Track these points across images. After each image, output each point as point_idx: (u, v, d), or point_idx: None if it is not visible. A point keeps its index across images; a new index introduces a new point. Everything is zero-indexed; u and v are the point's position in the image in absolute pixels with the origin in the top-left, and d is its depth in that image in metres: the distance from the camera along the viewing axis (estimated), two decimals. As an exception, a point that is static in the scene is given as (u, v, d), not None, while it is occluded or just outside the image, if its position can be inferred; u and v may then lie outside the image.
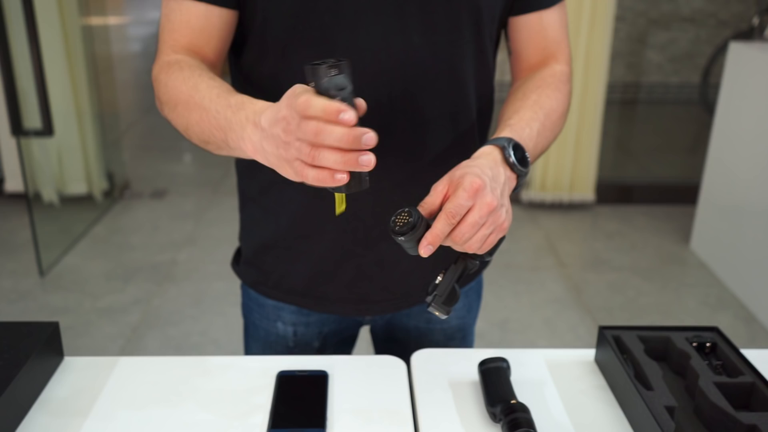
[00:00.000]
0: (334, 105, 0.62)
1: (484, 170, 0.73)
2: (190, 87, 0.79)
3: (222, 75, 0.87)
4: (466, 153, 0.93)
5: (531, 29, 0.94)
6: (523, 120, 0.84)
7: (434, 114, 0.89)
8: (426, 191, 0.92)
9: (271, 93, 0.88)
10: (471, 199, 0.70)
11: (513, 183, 0.79)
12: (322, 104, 0.62)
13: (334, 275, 0.97)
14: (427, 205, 0.74)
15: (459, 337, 1.09)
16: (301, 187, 0.92)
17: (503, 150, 0.78)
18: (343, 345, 1.08)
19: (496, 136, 0.82)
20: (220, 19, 0.84)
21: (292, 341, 1.03)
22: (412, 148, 0.90)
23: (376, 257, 0.95)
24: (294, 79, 0.85)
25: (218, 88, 0.77)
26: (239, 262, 1.06)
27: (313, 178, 0.64)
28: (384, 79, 0.85)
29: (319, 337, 1.04)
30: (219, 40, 0.86)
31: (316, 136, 0.62)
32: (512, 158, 0.78)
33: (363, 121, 0.86)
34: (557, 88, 0.91)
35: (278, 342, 1.04)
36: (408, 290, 0.99)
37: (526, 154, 0.80)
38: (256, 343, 1.06)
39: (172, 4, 0.85)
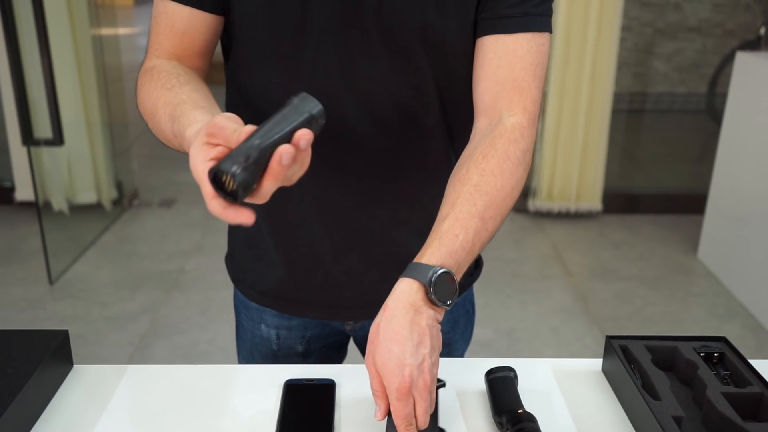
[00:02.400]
0: (208, 192, 0.60)
1: (404, 345, 0.67)
2: (152, 104, 0.80)
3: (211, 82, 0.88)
4: (435, 172, 0.94)
5: (485, 55, 0.83)
6: (457, 222, 0.75)
7: (401, 136, 0.89)
8: (391, 210, 0.94)
9: (249, 101, 0.91)
10: (409, 400, 0.67)
11: (441, 316, 0.73)
12: (205, 190, 0.60)
13: (303, 281, 0.99)
14: (378, 392, 0.71)
15: (443, 353, 1.08)
16: (278, 195, 0.95)
17: (425, 288, 0.71)
18: (330, 351, 1.09)
19: (423, 250, 0.75)
20: (204, 23, 0.85)
21: (275, 344, 1.05)
22: (378, 167, 0.90)
23: (343, 267, 0.97)
24: (265, 91, 0.88)
25: (172, 106, 0.75)
26: (228, 257, 1.09)
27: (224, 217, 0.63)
28: (351, 100, 0.86)
29: (302, 341, 1.05)
30: (203, 44, 0.87)
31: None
32: (434, 297, 0.71)
33: (331, 141, 0.87)
34: (506, 155, 0.79)
35: (263, 344, 1.05)
36: (378, 300, 1.00)
37: (456, 282, 0.73)
38: (245, 344, 1.09)
39: (159, 7, 0.86)
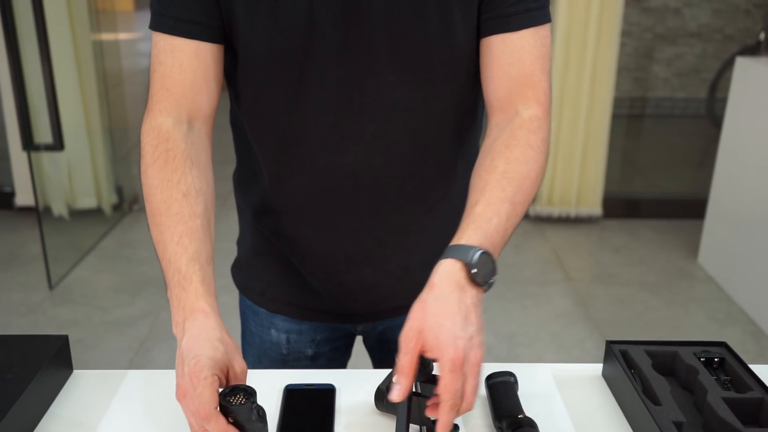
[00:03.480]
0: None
1: (454, 320, 0.67)
2: (162, 200, 0.78)
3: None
4: (445, 185, 0.95)
5: (493, 54, 0.85)
6: (489, 206, 0.76)
7: (410, 149, 0.89)
8: (403, 222, 0.94)
9: (255, 125, 0.90)
10: (460, 375, 0.65)
11: (482, 296, 0.72)
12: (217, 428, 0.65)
13: (317, 289, 1.00)
14: (405, 369, 0.68)
15: None
16: (290, 212, 0.95)
17: (467, 267, 0.71)
18: (338, 353, 1.09)
19: (459, 234, 0.75)
20: (211, 56, 0.83)
21: (285, 348, 1.05)
22: (388, 181, 0.91)
23: (357, 278, 0.98)
24: (272, 115, 0.87)
25: (184, 224, 0.77)
26: (235, 265, 1.09)
27: None
28: (358, 117, 0.86)
29: (312, 344, 1.05)
30: (212, 81, 0.84)
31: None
32: (478, 278, 0.71)
33: (341, 158, 0.88)
34: (528, 144, 0.82)
35: (272, 349, 1.05)
36: (390, 308, 1.01)
37: (495, 263, 0.74)
38: (252, 349, 1.08)
39: (161, 44, 0.82)
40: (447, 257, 0.72)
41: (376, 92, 0.84)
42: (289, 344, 1.04)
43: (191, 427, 0.68)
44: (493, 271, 0.73)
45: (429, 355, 0.67)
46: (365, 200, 0.91)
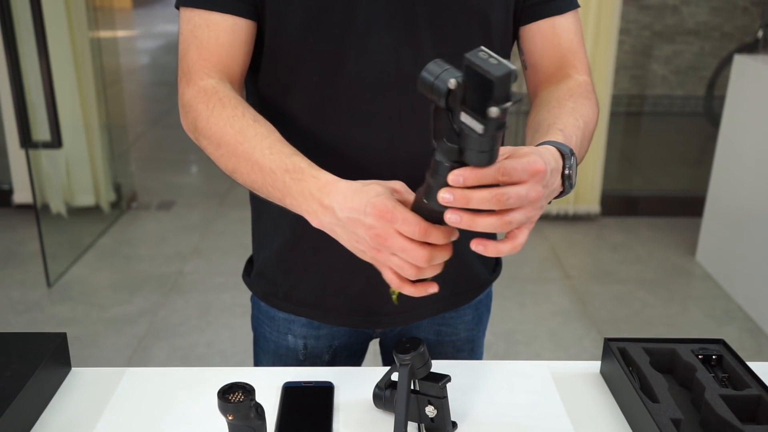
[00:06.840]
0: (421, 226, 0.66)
1: (548, 161, 0.68)
2: (236, 132, 0.79)
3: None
4: None
5: (544, 37, 0.92)
6: (568, 127, 0.79)
7: None
8: None
9: (284, 105, 0.89)
10: (527, 175, 0.64)
11: (555, 194, 0.73)
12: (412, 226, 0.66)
13: (343, 288, 0.97)
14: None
15: (468, 349, 1.09)
16: None
17: (564, 158, 0.72)
18: (353, 358, 1.08)
19: (549, 137, 0.76)
20: (246, 32, 0.85)
21: (302, 354, 1.03)
22: (422, 159, 0.90)
23: None
24: (304, 91, 0.86)
25: (268, 138, 0.77)
26: (250, 273, 1.06)
27: (410, 293, 0.71)
28: (394, 91, 0.85)
29: (329, 350, 1.04)
30: (245, 55, 0.87)
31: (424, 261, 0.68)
32: (568, 171, 0.72)
33: (375, 134, 0.87)
34: (588, 98, 0.88)
35: (288, 355, 1.04)
36: (418, 302, 0.99)
37: (576, 168, 0.75)
38: (267, 356, 1.07)
39: (196, 20, 0.84)
40: (549, 145, 0.72)
41: (413, 66, 0.84)
42: (306, 350, 1.03)
43: (401, 268, 0.69)
44: (575, 179, 0.74)
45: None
46: (398, 177, 0.89)
